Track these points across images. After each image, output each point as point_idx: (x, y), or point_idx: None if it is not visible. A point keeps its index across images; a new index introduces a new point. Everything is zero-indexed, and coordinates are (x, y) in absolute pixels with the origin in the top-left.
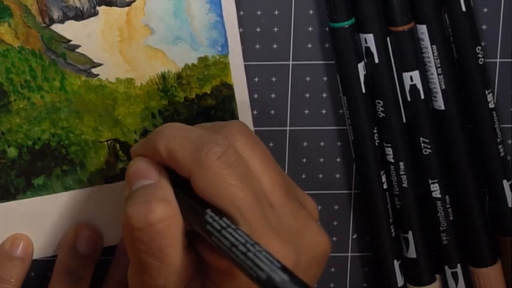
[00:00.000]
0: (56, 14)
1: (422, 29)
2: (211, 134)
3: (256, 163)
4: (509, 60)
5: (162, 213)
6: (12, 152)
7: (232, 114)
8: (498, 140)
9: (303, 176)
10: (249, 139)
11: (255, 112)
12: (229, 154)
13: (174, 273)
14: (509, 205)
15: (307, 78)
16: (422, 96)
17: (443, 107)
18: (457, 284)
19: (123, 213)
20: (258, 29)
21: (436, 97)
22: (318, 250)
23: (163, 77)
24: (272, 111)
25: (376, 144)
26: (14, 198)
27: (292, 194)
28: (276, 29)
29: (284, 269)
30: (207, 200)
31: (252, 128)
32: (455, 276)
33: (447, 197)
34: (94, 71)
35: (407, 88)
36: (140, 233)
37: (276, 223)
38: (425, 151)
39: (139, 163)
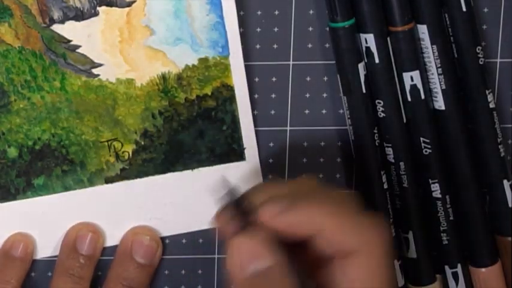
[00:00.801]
0: (56, 14)
1: (423, 29)
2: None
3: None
4: (510, 60)
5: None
6: (12, 152)
7: (233, 116)
8: (498, 140)
9: (303, 176)
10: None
11: (255, 112)
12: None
13: None
14: (509, 205)
15: (308, 78)
16: (423, 96)
17: (443, 107)
18: (457, 284)
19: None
20: (258, 29)
21: (436, 97)
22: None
23: (164, 77)
24: (272, 111)
25: (377, 144)
26: (14, 199)
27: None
28: (276, 29)
29: None
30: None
31: (252, 128)
32: (455, 276)
33: (447, 197)
34: (94, 71)
35: (407, 88)
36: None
37: None
38: (426, 151)
39: (247, 242)
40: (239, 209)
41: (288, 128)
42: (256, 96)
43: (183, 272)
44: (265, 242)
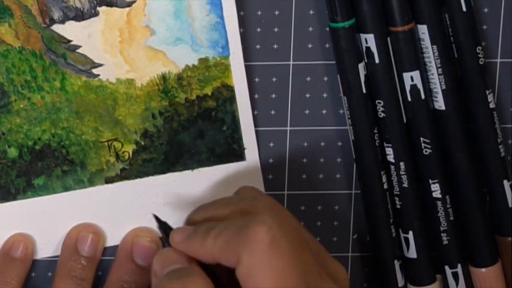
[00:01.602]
0: (56, 15)
1: (423, 29)
2: (249, 219)
3: (293, 242)
4: (510, 60)
5: (200, 285)
6: (12, 152)
7: (233, 116)
8: (498, 140)
9: (303, 176)
10: (280, 217)
11: (255, 112)
12: (274, 233)
13: None
14: (509, 205)
15: (308, 79)
16: (423, 96)
17: (443, 107)
18: (457, 284)
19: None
20: (259, 29)
21: (436, 97)
22: None
23: (164, 77)
24: (272, 111)
25: (377, 144)
26: (15, 199)
27: (324, 268)
28: (276, 29)
29: None
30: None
31: (252, 128)
32: (455, 276)
33: (447, 197)
34: (94, 71)
35: (407, 88)
36: None
37: None
38: (426, 151)
39: (167, 252)
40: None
41: (288, 128)
42: (256, 96)
43: None
44: (182, 253)
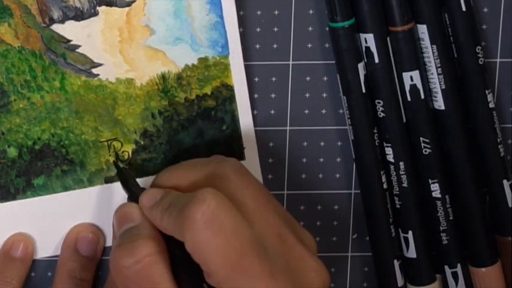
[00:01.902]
0: (56, 14)
1: (422, 29)
2: (191, 197)
3: (249, 204)
4: (509, 60)
5: (147, 249)
6: (12, 152)
7: (233, 115)
8: (498, 140)
9: (303, 176)
10: (243, 179)
11: (255, 112)
12: (211, 212)
13: None
14: (509, 205)
15: (307, 78)
16: (423, 96)
17: (443, 107)
18: (457, 284)
19: (111, 256)
20: (258, 29)
21: (436, 97)
22: (315, 284)
23: (164, 77)
24: (272, 111)
25: (376, 144)
26: (14, 198)
27: (288, 231)
28: (276, 29)
29: None
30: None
31: (252, 128)
32: (455, 276)
33: (447, 197)
34: (94, 71)
35: (407, 88)
36: (129, 271)
37: (271, 268)
38: (425, 151)
39: (123, 209)
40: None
41: (288, 128)
42: (256, 96)
43: None
44: (137, 208)
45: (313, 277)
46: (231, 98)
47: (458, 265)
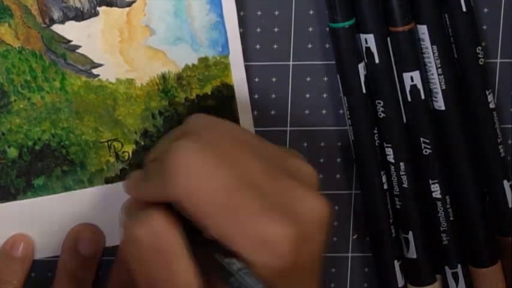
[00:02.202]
0: (56, 15)
1: (423, 29)
2: (164, 155)
3: (226, 150)
4: (510, 60)
5: (161, 218)
6: (12, 152)
7: (233, 115)
8: (498, 140)
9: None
10: (215, 132)
11: (255, 112)
12: (188, 160)
13: (184, 285)
14: (509, 205)
15: (308, 79)
16: (423, 97)
17: (443, 107)
18: (457, 284)
19: (124, 230)
20: (259, 30)
21: (436, 97)
22: (315, 216)
23: (164, 77)
24: (272, 112)
25: (377, 144)
26: (14, 199)
27: (274, 167)
28: (276, 30)
29: None
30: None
31: (252, 128)
32: (455, 276)
33: (447, 197)
34: (94, 71)
35: (407, 88)
36: (144, 241)
37: (262, 204)
38: (426, 151)
39: (132, 200)
40: None
41: (288, 128)
42: (256, 96)
43: None
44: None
45: (309, 207)
46: (231, 98)
47: (459, 265)
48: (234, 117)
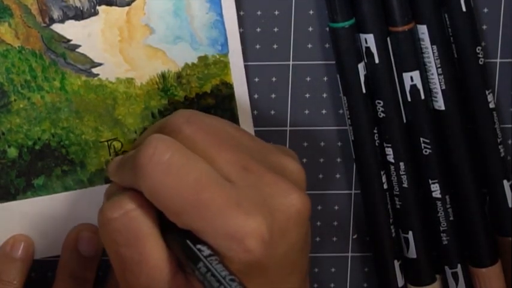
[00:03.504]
0: (56, 14)
1: (423, 29)
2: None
3: (207, 146)
4: (510, 60)
5: (134, 202)
6: (12, 152)
7: (232, 113)
8: (498, 140)
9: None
10: (195, 125)
11: (255, 112)
12: (158, 154)
13: (155, 267)
14: (509, 205)
15: (308, 79)
16: (423, 97)
17: (443, 107)
18: (457, 284)
19: (98, 213)
20: (258, 29)
21: (436, 97)
22: (292, 212)
23: (163, 76)
24: (272, 112)
25: (376, 144)
26: (14, 199)
27: (255, 162)
28: (276, 29)
29: None
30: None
31: (252, 128)
32: (455, 276)
33: (447, 197)
34: (94, 70)
35: (407, 88)
36: (116, 223)
37: (233, 199)
38: (426, 151)
39: (112, 186)
40: None
41: (288, 128)
42: (256, 96)
43: None
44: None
45: (286, 203)
46: (231, 96)
47: (459, 265)
48: (233, 115)
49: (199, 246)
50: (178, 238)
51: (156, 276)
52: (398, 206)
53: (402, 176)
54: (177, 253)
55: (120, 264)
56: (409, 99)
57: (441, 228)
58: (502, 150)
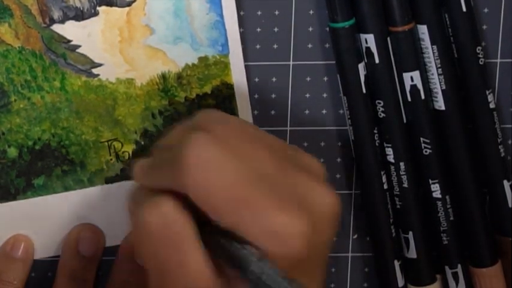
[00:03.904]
0: (56, 14)
1: (423, 29)
2: (179, 145)
3: (242, 146)
4: (510, 60)
5: (172, 204)
6: (12, 152)
7: (233, 114)
8: (498, 140)
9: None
10: (225, 125)
11: (255, 112)
12: (203, 152)
13: (196, 272)
14: (509, 205)
15: (308, 79)
16: (423, 97)
17: (443, 107)
18: (457, 284)
19: (134, 219)
20: (259, 29)
21: (436, 97)
22: (326, 209)
23: (164, 77)
24: (272, 112)
25: (377, 144)
26: (14, 199)
27: (286, 162)
28: (276, 29)
29: None
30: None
31: None
32: (455, 276)
33: (447, 197)
34: (94, 71)
35: (407, 88)
36: (153, 227)
37: (274, 196)
38: (426, 151)
39: (137, 188)
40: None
41: (288, 128)
42: (256, 96)
43: None
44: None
45: (320, 200)
46: (231, 97)
47: (459, 265)
48: (234, 116)
49: (246, 250)
50: (220, 240)
51: (197, 280)
52: (398, 206)
53: (402, 176)
54: (220, 256)
55: (159, 269)
56: (409, 99)
57: (441, 228)
58: (502, 150)
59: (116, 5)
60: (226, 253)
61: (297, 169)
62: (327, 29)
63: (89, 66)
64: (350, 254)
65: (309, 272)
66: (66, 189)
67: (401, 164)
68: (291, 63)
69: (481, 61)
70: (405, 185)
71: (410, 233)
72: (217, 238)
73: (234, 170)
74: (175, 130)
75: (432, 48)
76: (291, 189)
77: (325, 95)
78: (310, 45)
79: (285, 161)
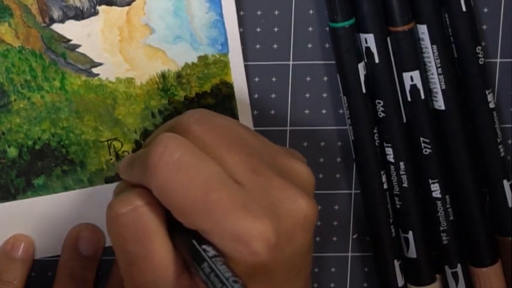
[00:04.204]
0: (56, 14)
1: (423, 29)
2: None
3: (217, 147)
4: (510, 60)
5: (143, 198)
6: (12, 152)
7: (232, 113)
8: (498, 140)
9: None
10: (205, 126)
11: (255, 112)
12: (168, 153)
13: (160, 265)
14: (509, 205)
15: (308, 78)
16: (423, 96)
17: (443, 107)
18: (457, 284)
19: (107, 209)
20: (258, 29)
21: (436, 97)
22: (299, 217)
23: (163, 76)
24: (272, 111)
25: (376, 144)
26: (14, 199)
27: (264, 165)
28: (276, 29)
29: None
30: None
31: (252, 128)
32: (455, 276)
33: (447, 197)
34: (94, 70)
35: (407, 88)
36: (125, 218)
37: (241, 201)
38: (426, 151)
39: (120, 184)
40: None
41: (288, 128)
42: (256, 96)
43: None
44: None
45: (294, 207)
46: (231, 96)
47: (459, 265)
48: (233, 115)
49: (204, 246)
50: (185, 238)
51: (161, 273)
52: (398, 206)
53: (402, 176)
54: (183, 253)
55: (126, 260)
56: (409, 99)
57: (441, 228)
58: (502, 150)
59: (116, 5)
60: (187, 250)
61: (277, 174)
62: (327, 28)
63: (88, 65)
64: (350, 254)
65: (281, 281)
66: (66, 189)
67: (401, 163)
68: (291, 63)
69: (481, 61)
70: (405, 184)
71: (410, 232)
72: (181, 235)
73: (200, 173)
74: (158, 129)
75: (432, 48)
76: (264, 195)
77: (325, 95)
78: (310, 45)
79: (266, 165)
